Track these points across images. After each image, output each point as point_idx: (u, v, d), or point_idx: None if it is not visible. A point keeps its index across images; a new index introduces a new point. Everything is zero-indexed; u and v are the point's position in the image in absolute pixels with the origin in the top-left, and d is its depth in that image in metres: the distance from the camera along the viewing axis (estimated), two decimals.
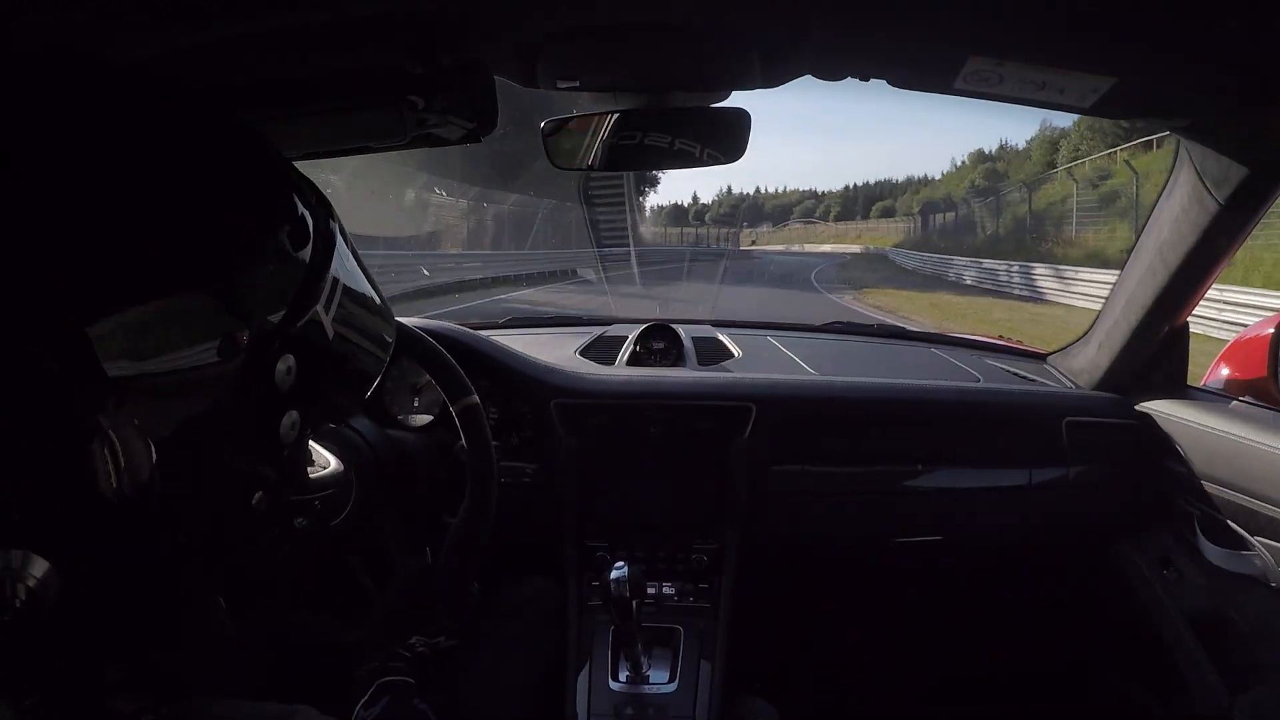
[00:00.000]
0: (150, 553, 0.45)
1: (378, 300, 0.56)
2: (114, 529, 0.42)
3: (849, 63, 0.70)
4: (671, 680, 1.05)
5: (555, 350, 1.42)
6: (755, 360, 1.48)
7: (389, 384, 1.24)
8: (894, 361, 1.62)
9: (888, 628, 1.58)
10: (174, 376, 0.41)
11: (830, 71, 0.71)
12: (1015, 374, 1.47)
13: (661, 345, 1.51)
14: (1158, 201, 1.12)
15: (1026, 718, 1.46)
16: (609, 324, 1.68)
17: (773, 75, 0.72)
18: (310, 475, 0.87)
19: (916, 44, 0.68)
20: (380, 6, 0.56)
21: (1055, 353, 1.51)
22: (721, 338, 1.57)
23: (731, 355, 1.50)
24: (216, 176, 0.45)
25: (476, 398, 0.93)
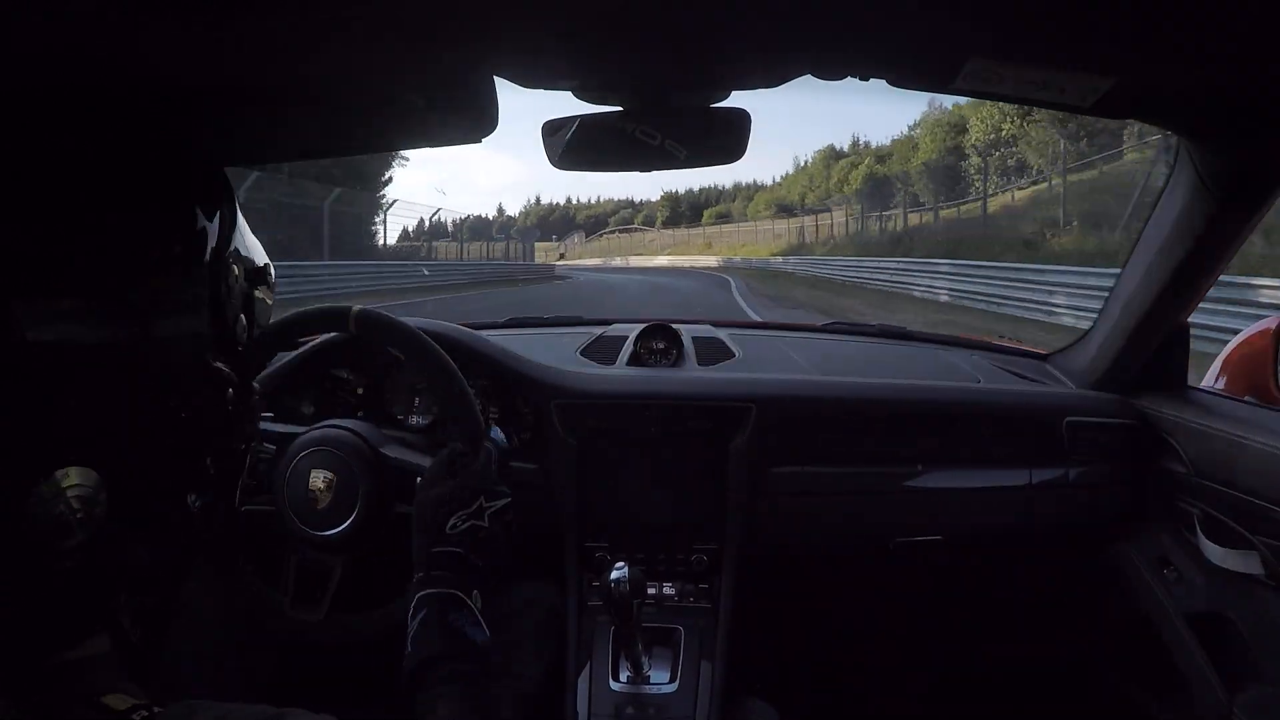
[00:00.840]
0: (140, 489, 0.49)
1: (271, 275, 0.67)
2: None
3: (849, 63, 0.71)
4: (672, 680, 1.05)
5: (555, 350, 1.42)
6: (755, 360, 1.48)
7: (388, 384, 1.24)
8: (894, 361, 1.61)
9: (888, 628, 1.58)
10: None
11: (830, 71, 0.71)
12: (1015, 374, 1.46)
13: (662, 345, 1.51)
14: (1158, 201, 1.12)
15: (1026, 718, 1.46)
16: (609, 324, 1.68)
17: (773, 75, 0.72)
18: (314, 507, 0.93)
19: (917, 44, 0.68)
20: (380, 6, 0.55)
21: (1055, 353, 1.51)
22: (722, 338, 1.57)
23: (732, 355, 1.49)
24: (131, 184, 0.51)
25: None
